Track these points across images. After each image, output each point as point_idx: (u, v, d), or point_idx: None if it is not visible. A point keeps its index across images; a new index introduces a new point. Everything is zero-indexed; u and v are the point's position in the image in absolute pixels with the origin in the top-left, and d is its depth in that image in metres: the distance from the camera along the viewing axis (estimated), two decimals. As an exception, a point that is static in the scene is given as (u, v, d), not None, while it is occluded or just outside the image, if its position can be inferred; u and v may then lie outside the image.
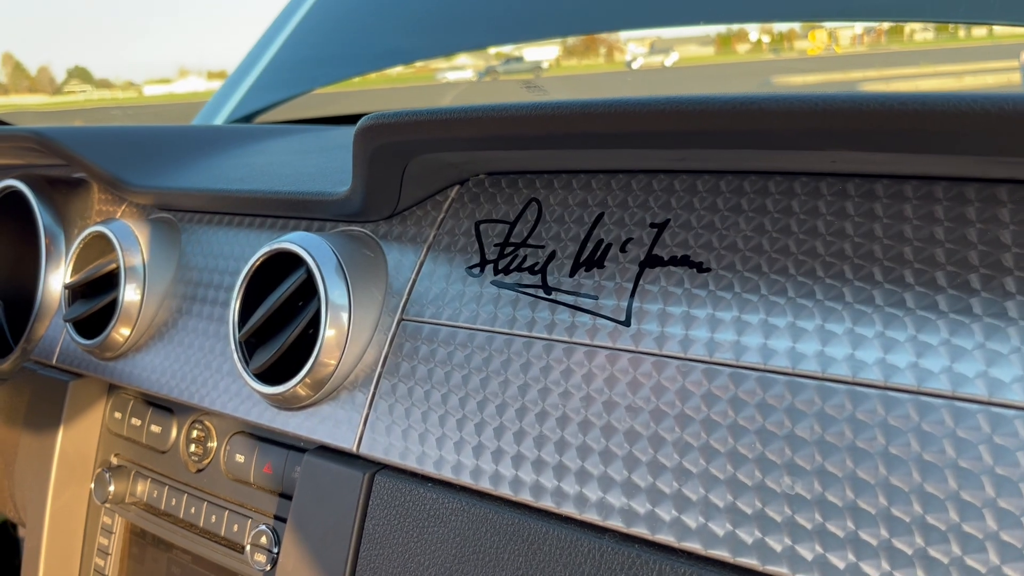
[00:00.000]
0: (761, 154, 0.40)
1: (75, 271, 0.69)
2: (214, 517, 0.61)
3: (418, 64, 1.57)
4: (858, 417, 0.37)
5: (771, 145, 0.38)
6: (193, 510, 0.62)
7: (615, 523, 0.41)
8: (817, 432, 0.37)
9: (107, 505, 0.68)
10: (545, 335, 0.46)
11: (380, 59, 1.57)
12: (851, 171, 0.41)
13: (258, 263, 0.55)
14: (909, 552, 0.34)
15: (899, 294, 0.38)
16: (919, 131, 0.32)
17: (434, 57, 1.62)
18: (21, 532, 0.95)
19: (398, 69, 1.58)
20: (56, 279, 0.75)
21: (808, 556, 0.36)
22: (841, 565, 0.35)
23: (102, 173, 0.70)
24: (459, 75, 1.89)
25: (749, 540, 0.37)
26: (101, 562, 0.69)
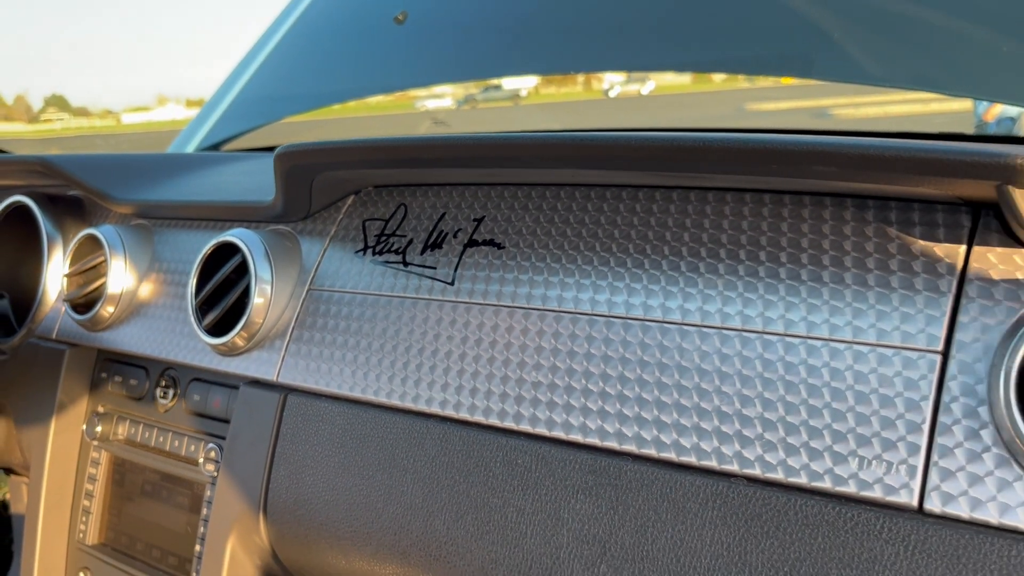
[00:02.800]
0: (545, 172, 0.63)
1: (72, 264, 0.90)
2: (177, 443, 0.82)
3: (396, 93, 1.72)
4: (610, 338, 0.58)
5: (542, 166, 0.60)
6: (162, 439, 0.83)
7: (462, 414, 0.62)
8: (553, 344, 0.59)
9: (95, 442, 0.89)
10: (403, 294, 0.68)
11: (350, 91, 1.73)
12: (612, 181, 0.63)
13: (209, 252, 0.76)
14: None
15: (617, 254, 0.60)
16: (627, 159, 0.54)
17: (405, 89, 1.76)
18: (15, 484, 1.14)
19: (377, 98, 1.72)
20: (56, 273, 0.95)
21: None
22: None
23: (93, 190, 0.91)
24: (438, 103, 1.99)
25: (558, 418, 0.59)
26: (90, 487, 0.89)
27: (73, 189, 0.99)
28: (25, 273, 1.01)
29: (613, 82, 2.42)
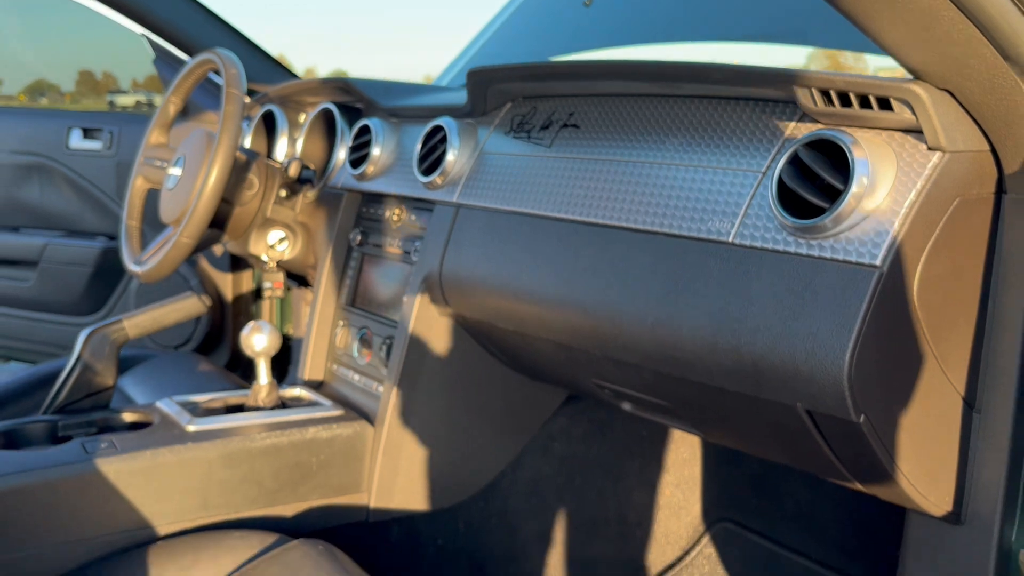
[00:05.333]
0: (605, 84, 1.11)
1: (353, 141, 1.50)
2: (399, 243, 1.39)
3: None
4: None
5: (609, 79, 1.09)
6: (390, 242, 1.41)
7: (555, 214, 1.12)
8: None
9: (355, 247, 1.48)
10: (526, 153, 1.19)
11: (603, 40, 2.05)
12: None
13: (428, 130, 1.32)
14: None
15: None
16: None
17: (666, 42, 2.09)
18: (297, 294, 1.80)
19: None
20: (343, 149, 1.56)
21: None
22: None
23: (368, 99, 1.51)
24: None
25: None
26: (350, 272, 1.50)
27: (356, 100, 1.60)
28: (324, 149, 1.64)
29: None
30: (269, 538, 1.09)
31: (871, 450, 0.84)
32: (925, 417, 0.85)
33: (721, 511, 1.57)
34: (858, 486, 0.93)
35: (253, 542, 1.08)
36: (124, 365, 1.60)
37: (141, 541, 1.10)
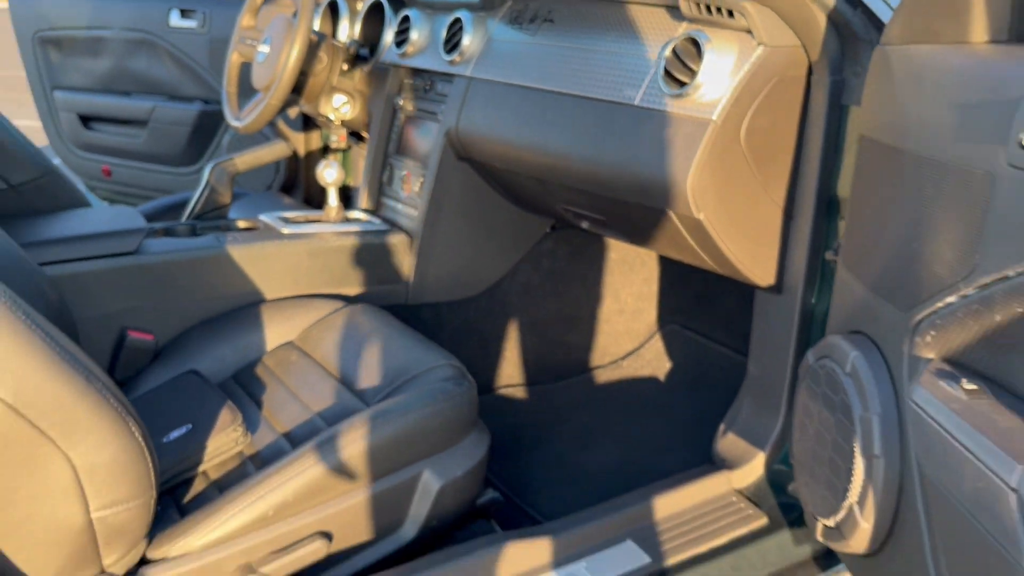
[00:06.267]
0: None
1: (397, 27, 1.96)
2: (427, 106, 1.89)
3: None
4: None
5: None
6: (419, 105, 1.91)
7: (530, 84, 1.61)
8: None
9: (399, 107, 1.99)
10: (519, 40, 1.66)
11: None
12: None
13: (450, 21, 1.78)
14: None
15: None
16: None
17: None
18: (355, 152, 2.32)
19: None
20: (390, 34, 2.03)
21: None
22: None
23: (409, -6, 1.97)
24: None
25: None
26: (392, 136, 2.00)
27: (401, -6, 2.06)
28: (376, 32, 2.11)
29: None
30: (339, 303, 1.64)
31: (712, 240, 1.34)
32: (751, 220, 1.34)
33: (669, 316, 2.10)
34: (716, 268, 1.44)
35: (328, 305, 1.64)
36: (236, 198, 2.15)
37: (254, 302, 1.66)
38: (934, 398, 0.85)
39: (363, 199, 2.02)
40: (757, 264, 1.37)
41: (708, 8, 1.29)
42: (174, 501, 1.21)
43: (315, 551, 1.17)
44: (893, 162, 1.02)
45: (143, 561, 1.10)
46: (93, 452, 0.95)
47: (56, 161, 2.47)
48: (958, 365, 0.90)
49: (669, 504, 1.35)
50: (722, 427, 1.52)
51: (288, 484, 1.15)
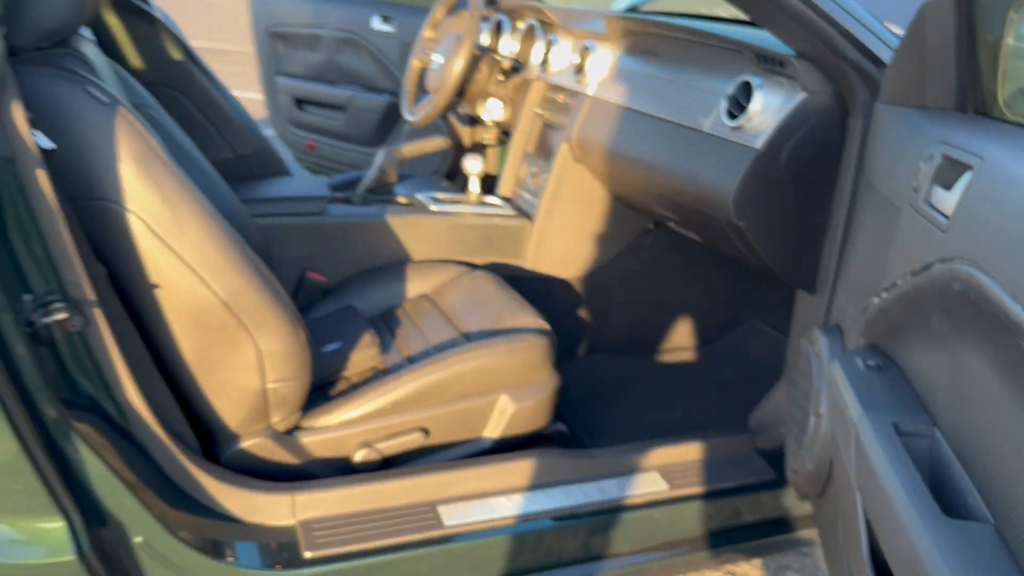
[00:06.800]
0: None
1: (545, 48, 2.37)
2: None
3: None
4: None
5: None
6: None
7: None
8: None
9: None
10: (640, 70, 2.02)
11: None
12: None
13: (582, 49, 2.16)
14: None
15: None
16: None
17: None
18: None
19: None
20: (537, 52, 2.44)
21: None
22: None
23: (555, 21, 2.36)
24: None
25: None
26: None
27: (549, 19, 2.46)
28: (528, 50, 2.52)
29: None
30: (467, 269, 2.08)
31: (751, 244, 1.65)
32: (788, 230, 1.64)
33: (754, 311, 2.39)
34: (760, 267, 1.75)
35: (458, 269, 2.08)
36: (402, 179, 2.64)
37: (402, 260, 2.13)
38: (840, 369, 1.16)
39: (502, 187, 2.45)
40: (793, 267, 1.67)
41: (765, 59, 1.60)
42: (323, 393, 1.68)
43: (415, 440, 1.61)
44: (869, 196, 1.32)
45: (297, 427, 1.58)
46: (273, 341, 1.43)
47: (271, 132, 3.04)
48: (874, 348, 1.20)
49: (695, 451, 1.69)
50: (762, 403, 1.83)
51: (401, 388, 1.60)
